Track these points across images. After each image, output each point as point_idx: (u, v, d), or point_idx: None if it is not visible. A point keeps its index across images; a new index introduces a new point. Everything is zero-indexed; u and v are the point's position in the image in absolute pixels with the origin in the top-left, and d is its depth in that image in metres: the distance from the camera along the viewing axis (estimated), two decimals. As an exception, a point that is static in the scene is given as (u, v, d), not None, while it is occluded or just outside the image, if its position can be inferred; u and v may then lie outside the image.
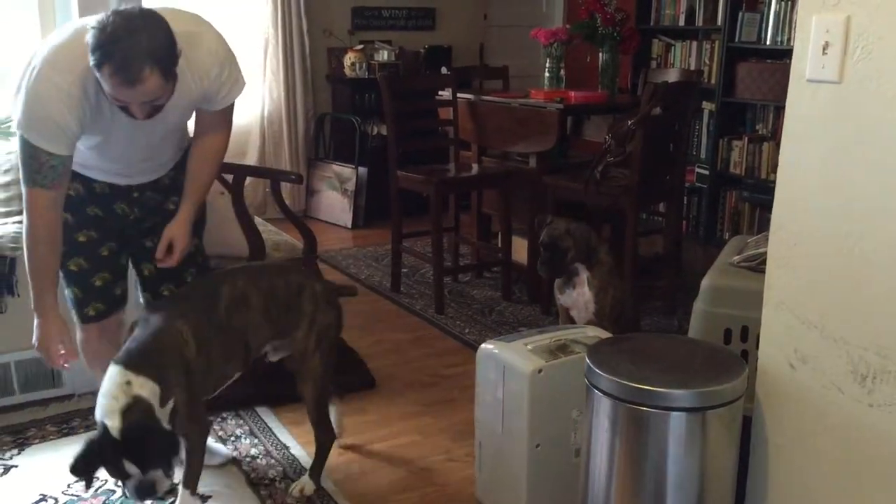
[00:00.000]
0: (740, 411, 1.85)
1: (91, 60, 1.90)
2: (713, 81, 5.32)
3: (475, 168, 4.34)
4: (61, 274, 2.27)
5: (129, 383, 2.03)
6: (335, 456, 2.72)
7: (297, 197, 5.84)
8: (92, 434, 2.06)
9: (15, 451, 2.70)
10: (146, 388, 2.04)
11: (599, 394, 1.84)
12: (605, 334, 2.39)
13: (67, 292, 2.33)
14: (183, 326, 2.16)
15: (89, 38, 1.89)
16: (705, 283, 2.28)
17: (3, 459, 2.65)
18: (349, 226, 5.68)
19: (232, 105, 2.30)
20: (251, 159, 5.76)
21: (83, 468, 2.04)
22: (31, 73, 2.01)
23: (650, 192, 3.85)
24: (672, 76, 4.61)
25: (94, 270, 2.34)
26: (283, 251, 3.37)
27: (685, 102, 3.87)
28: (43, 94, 1.99)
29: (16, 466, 2.61)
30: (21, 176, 2.10)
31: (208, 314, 2.23)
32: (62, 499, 2.43)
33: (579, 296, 3.06)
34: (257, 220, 3.35)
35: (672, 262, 4.10)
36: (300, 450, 2.73)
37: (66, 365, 2.26)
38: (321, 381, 2.42)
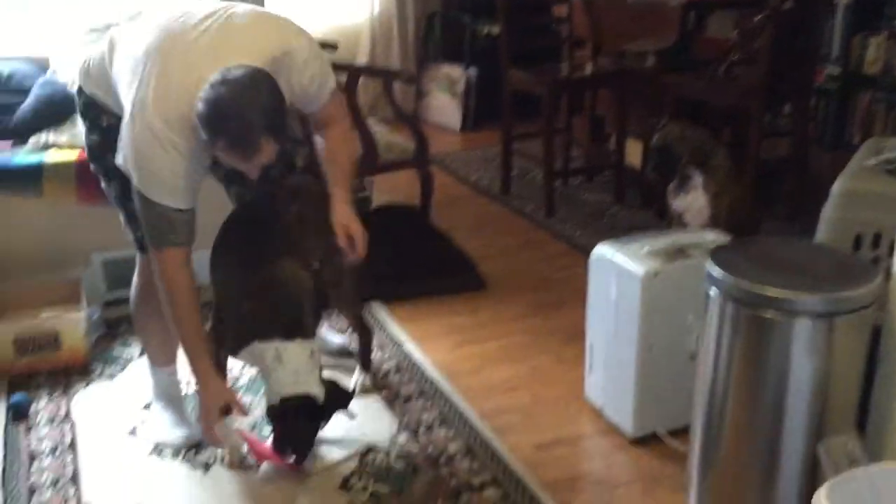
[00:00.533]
0: (870, 319, 1.77)
1: (203, 134, 1.85)
2: (850, -28, 4.92)
3: (589, 67, 4.20)
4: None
5: (309, 352, 2.08)
6: (447, 352, 2.78)
7: (407, 99, 5.82)
8: (292, 413, 2.06)
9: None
10: (315, 346, 2.12)
11: (721, 298, 1.79)
12: (725, 238, 2.32)
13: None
14: (293, 264, 2.17)
15: (200, 108, 1.83)
16: (837, 186, 2.16)
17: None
18: (459, 128, 5.64)
19: (342, 99, 2.24)
20: (361, 61, 5.74)
21: (309, 442, 2.15)
22: (138, 128, 1.90)
23: (777, 91, 3.65)
24: (805, -34, 4.28)
25: None
26: (394, 152, 3.39)
27: (819, -5, 3.62)
28: (156, 148, 1.90)
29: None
30: (148, 240, 2.03)
31: (291, 237, 2.22)
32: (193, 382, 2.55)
33: (693, 200, 2.97)
34: (369, 120, 3.36)
35: (797, 165, 3.91)
36: (413, 346, 2.80)
37: (226, 445, 2.22)
38: (355, 286, 2.47)
